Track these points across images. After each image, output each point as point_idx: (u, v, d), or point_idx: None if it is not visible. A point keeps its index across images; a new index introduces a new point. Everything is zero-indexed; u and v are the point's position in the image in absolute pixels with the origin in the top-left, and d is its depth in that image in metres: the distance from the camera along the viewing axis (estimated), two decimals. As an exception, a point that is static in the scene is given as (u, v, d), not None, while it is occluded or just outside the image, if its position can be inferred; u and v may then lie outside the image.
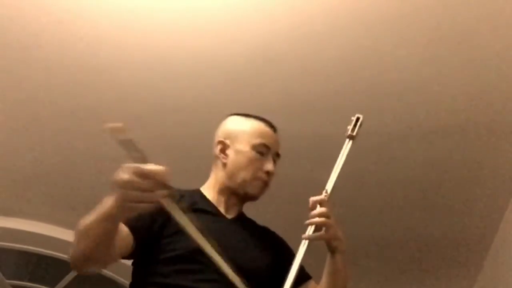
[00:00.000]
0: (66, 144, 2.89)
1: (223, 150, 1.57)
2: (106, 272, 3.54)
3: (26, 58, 2.48)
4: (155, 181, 1.03)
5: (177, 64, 2.51)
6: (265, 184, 1.54)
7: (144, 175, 1.03)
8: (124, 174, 1.05)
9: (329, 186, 1.46)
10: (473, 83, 2.54)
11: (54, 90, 2.63)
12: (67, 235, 3.34)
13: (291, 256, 1.43)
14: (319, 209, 1.38)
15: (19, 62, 2.51)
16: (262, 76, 2.56)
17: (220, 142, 1.58)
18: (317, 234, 1.38)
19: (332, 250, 1.44)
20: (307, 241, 1.36)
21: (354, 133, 1.55)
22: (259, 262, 1.48)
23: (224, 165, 1.55)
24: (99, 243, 1.19)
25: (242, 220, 1.59)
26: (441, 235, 3.37)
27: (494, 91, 2.57)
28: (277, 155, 1.59)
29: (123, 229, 1.32)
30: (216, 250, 1.20)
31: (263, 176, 1.53)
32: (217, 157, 1.58)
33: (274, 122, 1.65)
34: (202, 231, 1.17)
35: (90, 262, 1.25)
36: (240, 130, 1.57)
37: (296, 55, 2.47)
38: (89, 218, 1.18)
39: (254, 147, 1.54)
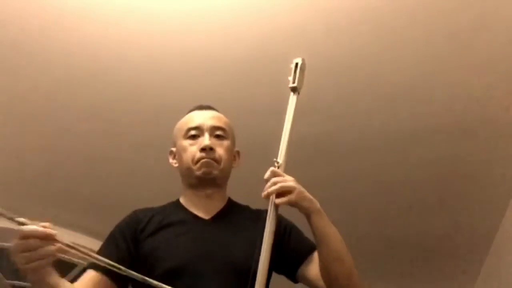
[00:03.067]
0: (66, 144, 2.88)
1: (174, 157, 1.60)
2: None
3: (25, 57, 2.48)
4: (39, 238, 1.13)
5: (176, 64, 2.51)
6: (208, 160, 1.49)
7: (25, 236, 1.13)
8: (13, 242, 1.14)
9: (281, 154, 1.39)
10: (474, 83, 2.54)
11: (54, 91, 2.63)
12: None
13: (289, 234, 1.44)
14: (273, 179, 1.32)
15: (18, 62, 2.50)
16: (262, 76, 2.56)
17: (170, 153, 1.62)
18: (284, 198, 1.31)
19: (306, 213, 1.35)
20: (272, 206, 1.31)
21: (295, 83, 1.40)
22: (240, 259, 1.38)
23: (177, 168, 1.57)
24: None
25: (222, 216, 1.52)
26: (441, 235, 3.37)
27: (495, 91, 2.57)
28: (215, 129, 1.54)
29: (95, 276, 1.39)
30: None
31: (201, 154, 1.49)
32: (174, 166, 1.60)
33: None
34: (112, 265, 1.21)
35: None
36: (175, 132, 1.60)
37: (296, 55, 2.47)
38: None
39: (185, 136, 1.54)
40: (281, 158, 1.38)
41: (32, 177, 3.07)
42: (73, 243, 1.16)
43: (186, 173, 1.52)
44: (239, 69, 2.54)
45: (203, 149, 1.49)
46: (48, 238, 1.14)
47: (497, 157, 2.89)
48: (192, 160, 1.49)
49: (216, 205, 1.53)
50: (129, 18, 2.33)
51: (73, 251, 1.17)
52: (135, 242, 1.45)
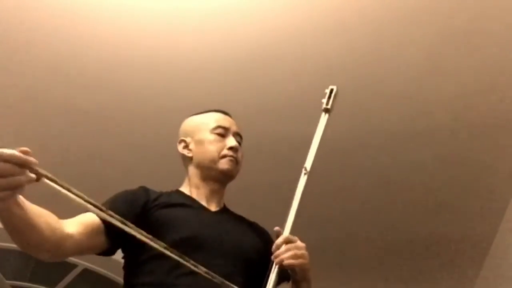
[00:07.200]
0: (66, 144, 2.89)
1: (186, 147, 1.63)
2: (106, 272, 3.54)
3: (26, 58, 2.49)
4: (14, 164, 0.98)
5: (175, 64, 2.52)
6: (234, 160, 1.57)
7: (1, 160, 0.98)
8: None
9: (308, 163, 1.47)
10: (473, 83, 2.54)
11: (53, 91, 2.63)
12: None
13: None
14: (287, 246, 1.34)
15: (18, 62, 2.51)
16: (261, 76, 2.56)
17: (181, 141, 1.64)
18: (293, 262, 1.33)
19: (300, 279, 1.39)
20: (277, 266, 1.32)
21: (329, 106, 1.58)
22: (247, 248, 1.48)
23: (191, 158, 1.61)
24: (18, 236, 1.24)
25: (226, 212, 1.60)
26: (441, 235, 3.37)
27: (494, 91, 2.57)
28: (237, 135, 1.63)
29: (95, 221, 1.34)
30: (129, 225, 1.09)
31: (229, 152, 1.57)
32: (183, 156, 1.63)
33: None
34: (102, 208, 1.11)
35: (32, 250, 1.27)
36: (196, 124, 1.64)
37: (296, 55, 2.47)
38: None
39: (212, 131, 1.60)
40: (309, 166, 1.47)
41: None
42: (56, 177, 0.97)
43: (207, 163, 1.57)
44: (239, 69, 2.54)
45: (231, 148, 1.57)
46: (25, 166, 0.99)
47: (497, 157, 2.89)
48: (219, 153, 1.56)
49: (219, 202, 1.60)
50: (129, 19, 2.33)
51: (53, 185, 0.98)
52: (144, 211, 1.44)
